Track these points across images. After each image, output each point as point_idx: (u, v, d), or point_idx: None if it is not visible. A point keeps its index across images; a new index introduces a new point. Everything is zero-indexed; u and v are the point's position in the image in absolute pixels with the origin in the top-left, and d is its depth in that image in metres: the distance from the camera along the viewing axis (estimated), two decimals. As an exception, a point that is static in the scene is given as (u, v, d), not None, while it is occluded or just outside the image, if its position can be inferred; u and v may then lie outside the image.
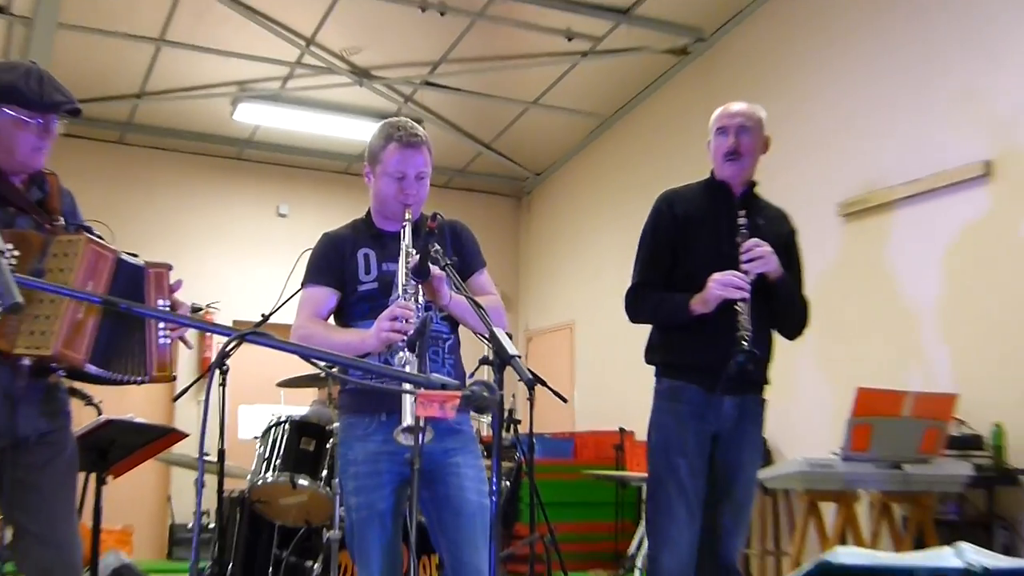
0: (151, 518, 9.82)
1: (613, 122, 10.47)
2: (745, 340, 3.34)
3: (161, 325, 2.73)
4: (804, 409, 7.25)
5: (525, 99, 10.09)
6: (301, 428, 4.68)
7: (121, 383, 2.71)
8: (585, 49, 9.16)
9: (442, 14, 8.48)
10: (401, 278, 2.99)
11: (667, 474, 3.48)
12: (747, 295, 3.38)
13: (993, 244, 6.46)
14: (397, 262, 3.03)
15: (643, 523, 7.80)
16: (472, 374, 2.95)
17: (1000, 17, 6.55)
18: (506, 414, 6.38)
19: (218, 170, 10.77)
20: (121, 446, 4.80)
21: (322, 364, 2.71)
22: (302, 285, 3.25)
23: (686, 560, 3.44)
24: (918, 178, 6.94)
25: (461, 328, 3.25)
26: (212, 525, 5.22)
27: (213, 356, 9.42)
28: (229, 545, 5.02)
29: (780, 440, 7.48)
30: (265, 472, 4.60)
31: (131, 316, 2.63)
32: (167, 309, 2.81)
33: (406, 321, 2.86)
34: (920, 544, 5.49)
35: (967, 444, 6.04)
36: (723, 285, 3.38)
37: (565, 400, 6.22)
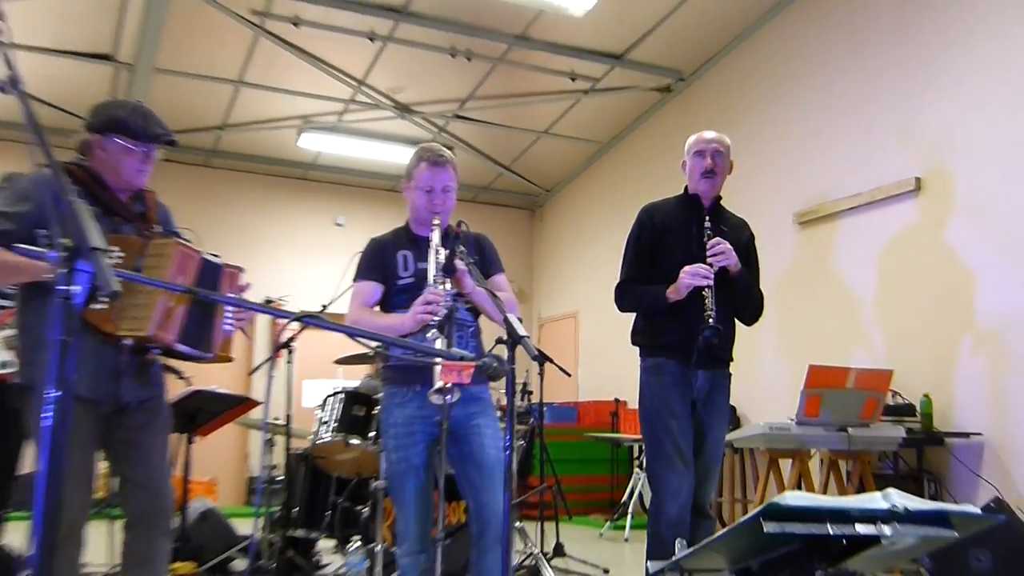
0: (233, 471, 9.86)
1: (608, 148, 10.43)
2: (711, 318, 3.36)
3: (228, 315, 2.73)
4: (765, 382, 7.24)
5: (537, 129, 10.07)
6: (353, 398, 4.68)
7: (197, 360, 2.72)
8: (586, 88, 9.14)
9: (469, 60, 8.51)
10: (432, 271, 3.01)
11: (664, 434, 3.46)
12: (711, 283, 3.40)
13: (921, 247, 6.45)
14: (428, 262, 3.04)
15: (635, 475, 7.82)
16: (489, 351, 2.97)
17: (929, 60, 6.53)
18: (520, 386, 6.40)
19: (286, 188, 10.78)
20: (206, 412, 4.85)
21: (367, 342, 2.70)
22: (354, 280, 3.25)
23: (684, 505, 3.42)
24: (859, 192, 6.92)
25: (482, 319, 3.26)
26: (281, 477, 5.23)
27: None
28: (295, 493, 5.04)
29: (746, 407, 7.47)
30: (324, 433, 4.62)
31: (208, 304, 2.65)
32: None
33: (437, 305, 2.89)
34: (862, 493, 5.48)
35: (901, 412, 6.02)
36: (692, 275, 3.39)
37: (569, 375, 6.23)
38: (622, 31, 8.31)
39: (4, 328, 4.09)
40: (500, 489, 2.93)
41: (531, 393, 6.20)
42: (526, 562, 4.88)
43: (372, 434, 4.49)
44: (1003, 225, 5.92)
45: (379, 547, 4.28)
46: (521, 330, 2.42)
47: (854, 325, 6.93)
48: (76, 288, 1.56)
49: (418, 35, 8.22)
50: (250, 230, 10.28)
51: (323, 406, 4.73)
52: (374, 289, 3.19)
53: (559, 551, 5.44)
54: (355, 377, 5.54)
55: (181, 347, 2.60)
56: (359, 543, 4.27)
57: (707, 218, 3.55)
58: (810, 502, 1.67)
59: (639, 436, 3.66)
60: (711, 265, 3.43)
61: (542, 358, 4.07)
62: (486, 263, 3.26)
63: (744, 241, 3.67)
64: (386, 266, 3.19)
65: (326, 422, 4.64)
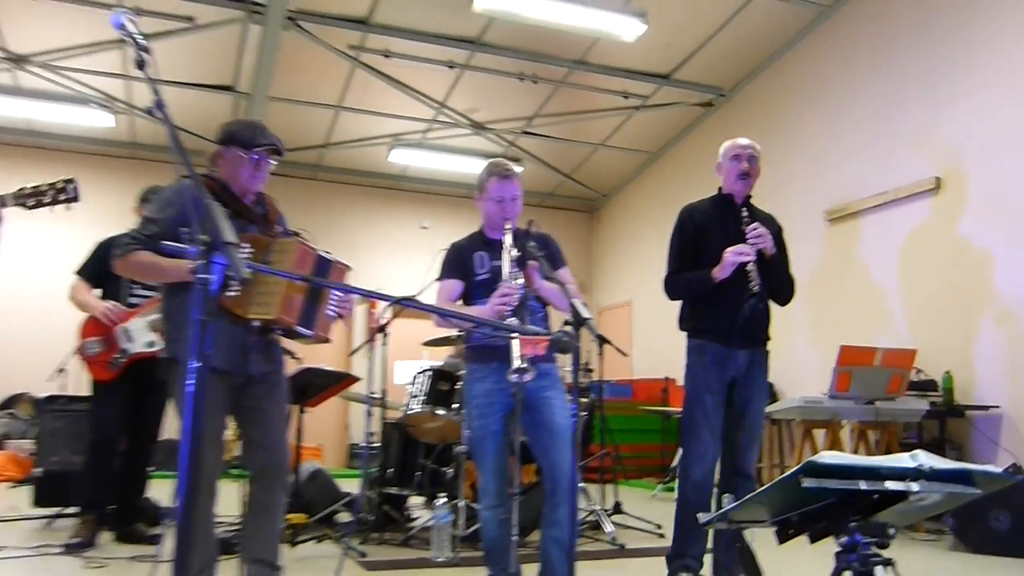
0: (336, 438, 10.00)
1: (657, 157, 10.32)
2: (756, 287, 3.29)
3: (332, 303, 2.76)
4: (799, 362, 7.10)
5: (595, 141, 10.02)
6: (439, 375, 4.71)
7: (303, 338, 2.73)
8: (637, 105, 9.07)
9: (535, 83, 8.52)
10: (506, 268, 3.01)
11: (697, 406, 3.42)
12: (754, 258, 3.33)
13: (940, 239, 6.30)
14: (502, 260, 3.05)
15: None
16: (560, 329, 2.96)
17: (945, 71, 6.35)
18: (583, 365, 6.39)
19: (378, 197, 10.89)
20: (315, 386, 4.94)
21: (458, 322, 2.68)
22: (438, 278, 3.26)
23: (709, 470, 3.38)
24: (884, 191, 6.77)
25: (548, 309, 3.26)
26: (378, 443, 5.31)
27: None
28: (390, 456, 5.09)
29: (783, 383, 7.33)
30: (414, 405, 4.66)
31: (317, 292, 2.68)
32: (338, 293, 2.82)
33: (511, 297, 2.90)
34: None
35: (924, 387, 5.87)
36: (736, 253, 3.31)
37: (625, 355, 6.19)
38: (669, 54, 8.25)
39: (150, 314, 4.25)
40: (568, 451, 2.91)
41: (592, 371, 6.18)
42: (589, 517, 4.88)
43: (455, 406, 4.51)
44: (1016, 217, 5.74)
45: (462, 503, 4.33)
46: (585, 312, 2.41)
47: (879, 310, 6.77)
48: (212, 277, 1.61)
49: (491, 62, 8.28)
50: (348, 233, 10.41)
51: (413, 382, 4.77)
52: (456, 285, 3.19)
53: (617, 509, 5.42)
54: (439, 358, 5.59)
55: (301, 329, 2.64)
56: (445, 499, 4.32)
57: (743, 210, 3.50)
58: (844, 460, 1.64)
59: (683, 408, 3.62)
60: (752, 245, 3.35)
61: (602, 339, 4.05)
62: (552, 258, 3.25)
63: (773, 233, 3.59)
64: (465, 265, 3.19)
65: (416, 396, 4.68)
